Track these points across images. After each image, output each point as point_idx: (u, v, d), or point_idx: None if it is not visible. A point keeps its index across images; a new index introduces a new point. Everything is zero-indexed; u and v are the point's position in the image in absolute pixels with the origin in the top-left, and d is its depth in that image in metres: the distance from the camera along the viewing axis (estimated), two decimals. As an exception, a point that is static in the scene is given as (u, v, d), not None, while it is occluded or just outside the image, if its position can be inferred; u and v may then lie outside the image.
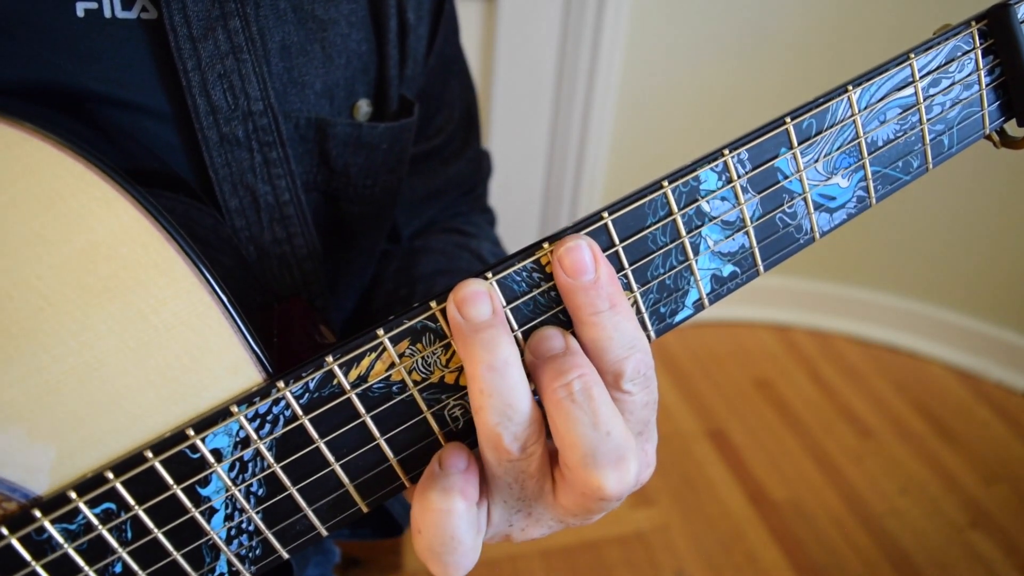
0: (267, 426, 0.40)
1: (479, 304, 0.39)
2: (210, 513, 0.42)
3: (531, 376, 0.41)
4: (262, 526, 0.43)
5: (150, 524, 0.41)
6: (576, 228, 0.41)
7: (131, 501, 0.40)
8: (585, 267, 0.39)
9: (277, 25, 0.54)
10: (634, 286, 0.43)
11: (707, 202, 0.43)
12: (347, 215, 0.65)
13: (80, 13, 0.47)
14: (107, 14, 0.48)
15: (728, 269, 0.45)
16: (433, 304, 0.40)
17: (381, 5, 0.61)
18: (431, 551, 0.41)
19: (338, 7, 0.58)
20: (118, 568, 0.41)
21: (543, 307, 0.42)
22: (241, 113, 0.52)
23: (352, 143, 0.61)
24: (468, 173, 0.83)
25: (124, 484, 0.40)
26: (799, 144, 0.44)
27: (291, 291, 0.60)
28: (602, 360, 0.40)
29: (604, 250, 0.42)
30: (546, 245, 0.41)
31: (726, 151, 0.43)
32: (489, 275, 0.40)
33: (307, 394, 0.40)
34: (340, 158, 0.61)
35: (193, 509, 0.41)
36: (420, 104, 0.69)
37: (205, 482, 0.41)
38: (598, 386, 0.39)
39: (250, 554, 0.43)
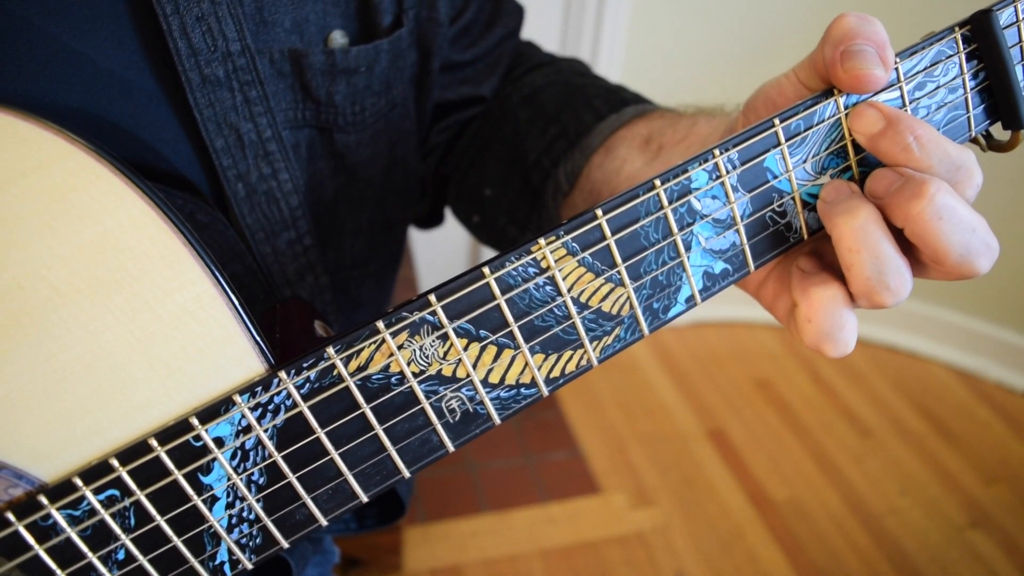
0: (268, 415, 0.41)
1: (837, 188, 0.46)
2: (212, 501, 0.43)
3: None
4: (263, 514, 0.44)
5: (153, 511, 0.42)
6: (570, 225, 0.42)
7: (135, 488, 0.41)
8: (874, 121, 0.45)
9: None
10: (627, 282, 0.44)
11: (698, 200, 0.44)
12: (344, 147, 0.66)
13: None
14: None
15: (720, 266, 0.46)
16: (432, 299, 0.41)
17: None
18: (822, 334, 0.46)
19: None
20: (121, 554, 0.42)
21: (539, 302, 0.43)
22: (220, 54, 0.53)
23: (328, 71, 0.61)
24: (515, 23, 0.82)
25: (128, 471, 0.41)
26: (788, 145, 0.45)
27: (280, 227, 0.61)
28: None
29: (597, 246, 0.43)
30: (542, 241, 0.42)
31: (716, 151, 0.44)
32: (487, 271, 0.41)
33: (308, 384, 0.41)
34: (321, 88, 0.61)
35: (195, 496, 0.42)
36: None
37: (207, 470, 0.42)
38: (952, 194, 0.43)
39: (250, 543, 0.44)
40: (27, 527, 0.40)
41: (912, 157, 0.44)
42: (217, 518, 0.43)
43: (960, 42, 0.47)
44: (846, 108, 0.46)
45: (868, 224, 0.43)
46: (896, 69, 0.46)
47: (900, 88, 0.46)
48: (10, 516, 0.40)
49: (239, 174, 0.57)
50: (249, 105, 0.56)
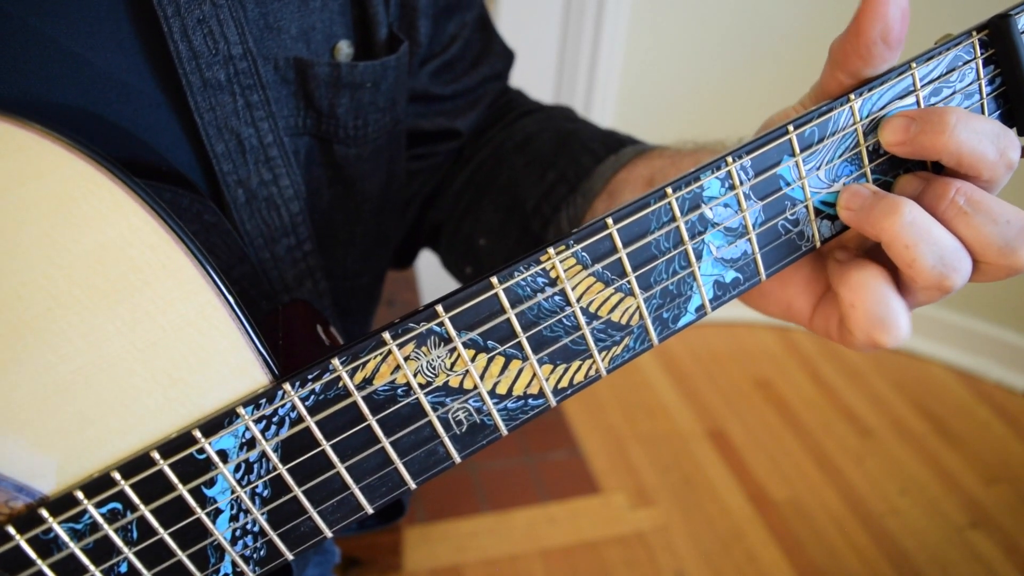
0: (273, 428, 0.41)
1: (858, 193, 0.45)
2: (216, 514, 0.42)
3: None
4: (267, 527, 0.43)
5: (156, 524, 0.41)
6: (580, 234, 0.41)
7: (137, 502, 0.40)
8: (903, 128, 0.45)
9: None
10: (637, 292, 0.43)
11: (710, 209, 0.44)
12: (343, 159, 0.65)
13: None
14: None
15: (731, 275, 0.46)
16: (439, 309, 0.40)
17: None
18: (872, 319, 0.45)
19: None
20: (123, 568, 0.42)
21: (548, 312, 0.42)
22: (222, 57, 0.53)
23: (333, 83, 0.61)
24: (502, 66, 0.82)
25: (131, 485, 0.40)
26: (801, 152, 0.44)
27: (280, 234, 0.61)
28: (981, 172, 0.45)
29: (607, 256, 0.42)
30: (551, 250, 0.41)
31: (729, 159, 0.43)
32: (495, 281, 0.41)
33: (313, 396, 0.41)
34: (324, 99, 0.61)
35: (199, 510, 0.41)
36: (429, 16, 0.69)
37: (211, 483, 0.41)
38: (975, 189, 0.44)
39: (255, 555, 0.44)
40: (28, 541, 0.40)
41: (954, 139, 0.44)
42: (221, 531, 0.42)
43: (977, 47, 0.46)
44: (860, 115, 0.45)
45: (916, 216, 0.43)
46: (912, 75, 0.45)
47: (916, 95, 0.46)
48: (11, 530, 0.40)
49: (239, 179, 0.57)
50: (250, 110, 0.55)
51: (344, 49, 0.61)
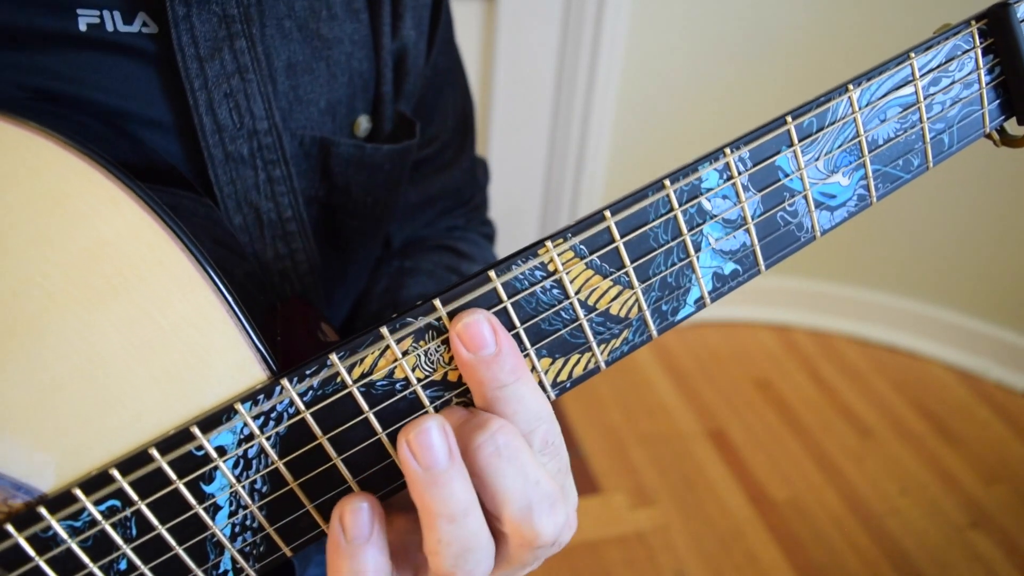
0: (271, 423, 0.41)
1: (434, 447, 0.38)
2: (214, 510, 0.42)
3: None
4: (266, 523, 0.43)
5: (154, 521, 0.41)
6: (578, 227, 0.41)
7: (136, 498, 0.40)
8: (485, 340, 0.40)
9: (283, 44, 0.55)
10: (635, 283, 0.43)
11: (708, 200, 0.43)
12: (344, 227, 0.65)
13: (82, 27, 0.47)
14: (109, 28, 0.48)
15: (730, 267, 0.45)
16: (437, 303, 0.40)
17: (378, 24, 0.62)
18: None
19: (342, 26, 0.59)
20: (123, 564, 0.42)
21: (546, 305, 0.42)
22: (246, 132, 0.53)
23: (355, 163, 0.61)
24: (463, 182, 0.83)
25: (129, 482, 0.40)
26: (800, 142, 0.44)
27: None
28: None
29: (605, 247, 0.42)
30: (549, 243, 0.41)
31: (727, 150, 0.43)
32: (493, 275, 0.40)
33: (310, 391, 0.40)
34: (342, 176, 0.61)
35: (197, 505, 0.41)
36: (413, 114, 0.69)
37: (209, 479, 0.41)
38: (518, 438, 0.40)
39: (254, 551, 0.44)
40: (27, 539, 0.40)
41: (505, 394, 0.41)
42: (220, 527, 0.42)
43: (976, 36, 0.46)
44: (859, 104, 0.45)
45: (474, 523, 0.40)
46: (911, 64, 0.45)
47: (915, 84, 0.46)
48: (10, 528, 0.39)
49: (254, 252, 0.57)
50: (272, 184, 0.55)
51: (363, 124, 0.62)
